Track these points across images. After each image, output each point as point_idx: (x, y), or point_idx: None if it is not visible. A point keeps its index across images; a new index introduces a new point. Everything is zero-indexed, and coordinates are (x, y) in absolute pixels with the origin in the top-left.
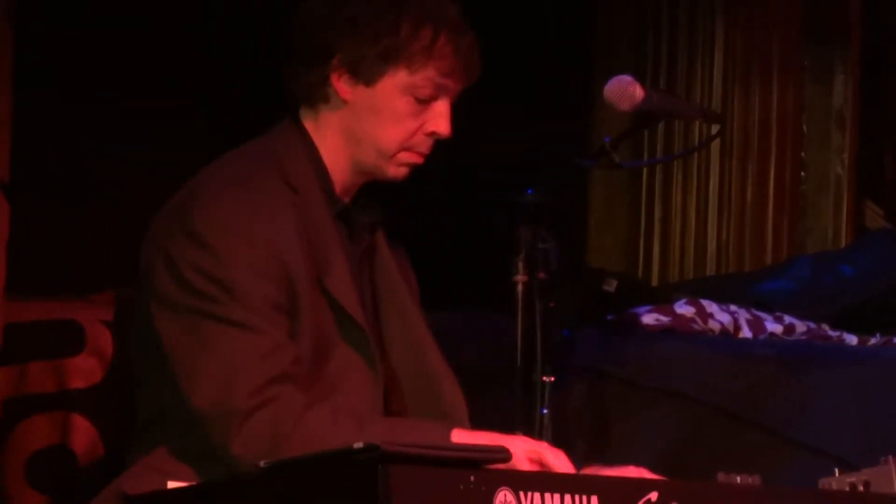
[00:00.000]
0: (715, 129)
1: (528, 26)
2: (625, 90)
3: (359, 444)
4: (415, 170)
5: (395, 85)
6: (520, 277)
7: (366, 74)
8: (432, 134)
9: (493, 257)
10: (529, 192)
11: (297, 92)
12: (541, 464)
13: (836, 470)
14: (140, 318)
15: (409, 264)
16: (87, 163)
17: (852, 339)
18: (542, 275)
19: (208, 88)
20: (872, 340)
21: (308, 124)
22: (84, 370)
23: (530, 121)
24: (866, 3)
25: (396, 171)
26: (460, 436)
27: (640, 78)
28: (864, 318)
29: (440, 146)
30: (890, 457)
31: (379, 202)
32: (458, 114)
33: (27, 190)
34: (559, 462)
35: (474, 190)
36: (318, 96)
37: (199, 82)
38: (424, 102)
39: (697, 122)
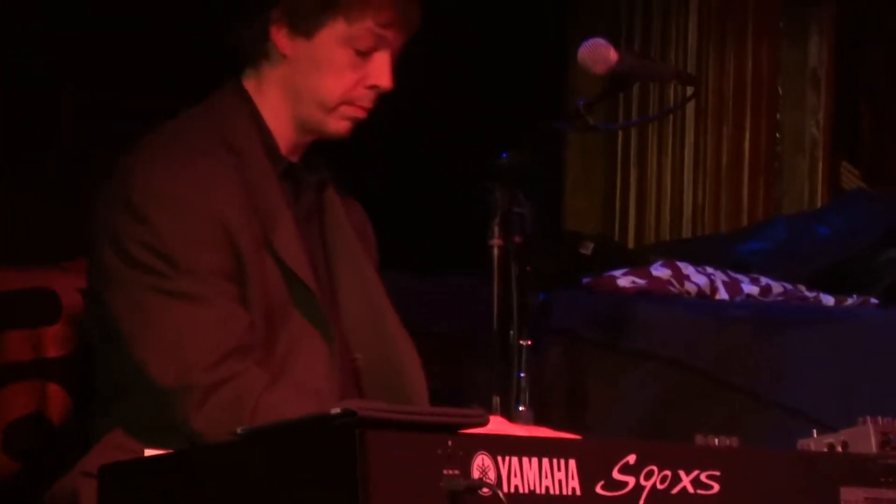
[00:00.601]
0: (690, 90)
1: None
2: (599, 53)
3: (336, 410)
4: (389, 135)
5: (333, 36)
6: (495, 241)
7: (305, 26)
8: (373, 87)
9: (468, 222)
10: (504, 155)
11: (239, 51)
12: None
13: (814, 431)
14: (89, 293)
15: (366, 219)
16: (60, 130)
17: (829, 300)
18: (517, 238)
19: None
20: (849, 301)
21: (250, 85)
22: (60, 339)
23: (505, 84)
24: None
25: (338, 126)
26: None
27: (614, 40)
28: (841, 278)
29: (417, 112)
30: (867, 417)
31: (328, 160)
32: (432, 77)
33: None
34: None
35: (449, 154)
36: (259, 53)
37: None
38: (364, 55)
39: (672, 84)
